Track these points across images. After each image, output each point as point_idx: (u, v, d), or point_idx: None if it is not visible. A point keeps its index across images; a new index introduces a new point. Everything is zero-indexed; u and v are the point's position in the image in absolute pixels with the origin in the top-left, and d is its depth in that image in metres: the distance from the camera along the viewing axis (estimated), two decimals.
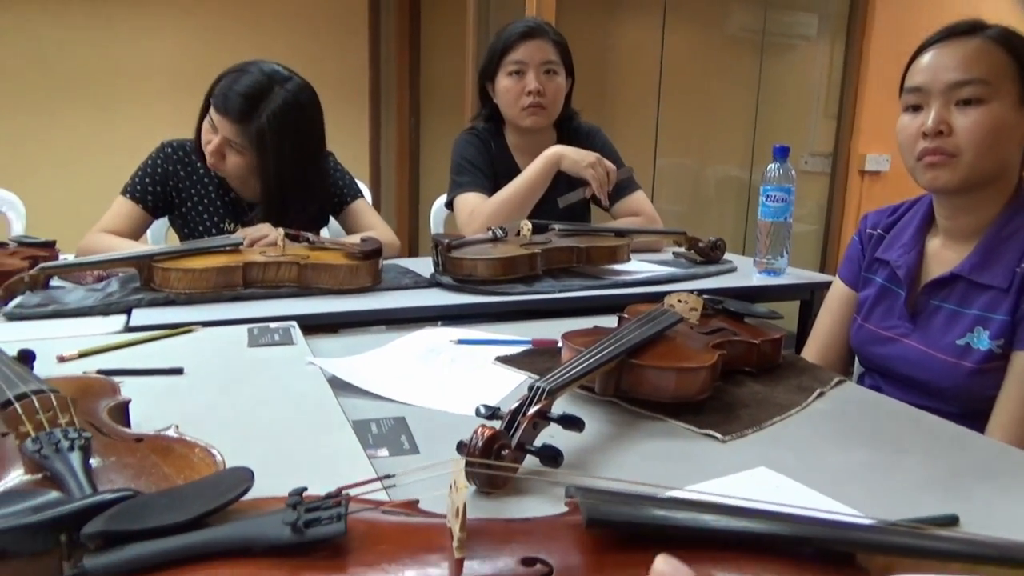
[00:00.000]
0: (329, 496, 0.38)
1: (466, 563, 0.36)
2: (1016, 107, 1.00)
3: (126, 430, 0.56)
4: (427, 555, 0.36)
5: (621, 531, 0.38)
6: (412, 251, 3.91)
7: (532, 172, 1.72)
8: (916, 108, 1.06)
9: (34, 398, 0.52)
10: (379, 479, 0.39)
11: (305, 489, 0.38)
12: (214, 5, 3.53)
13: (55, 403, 0.52)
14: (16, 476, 0.49)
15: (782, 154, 1.55)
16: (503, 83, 1.83)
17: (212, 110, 1.54)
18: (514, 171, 1.79)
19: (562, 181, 1.80)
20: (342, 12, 3.88)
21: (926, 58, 1.05)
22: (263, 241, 1.40)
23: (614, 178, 1.71)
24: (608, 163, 1.69)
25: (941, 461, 0.75)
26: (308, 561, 0.35)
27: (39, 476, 0.48)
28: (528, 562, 0.36)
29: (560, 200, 1.66)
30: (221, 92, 1.53)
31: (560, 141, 1.88)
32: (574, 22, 2.58)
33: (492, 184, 1.82)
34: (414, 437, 0.75)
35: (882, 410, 0.90)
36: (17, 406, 0.51)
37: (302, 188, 1.61)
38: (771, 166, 1.55)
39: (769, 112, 3.82)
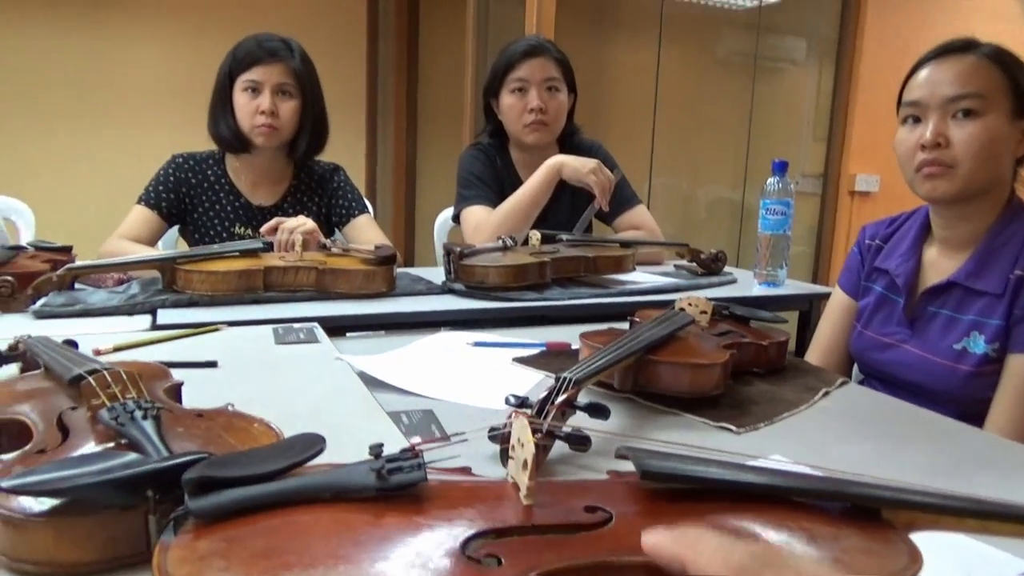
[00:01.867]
0: (405, 451, 0.41)
1: (534, 510, 0.39)
2: (1009, 121, 1.06)
3: (185, 407, 0.60)
4: (498, 503, 0.40)
5: (671, 484, 0.42)
6: (408, 263, 3.94)
7: (534, 182, 1.76)
8: (915, 121, 1.11)
9: (105, 372, 0.55)
10: (449, 436, 0.43)
11: (383, 445, 0.41)
12: (212, 19, 3.60)
13: (125, 378, 0.55)
14: (89, 446, 0.52)
15: (781, 169, 1.60)
16: (506, 100, 1.88)
17: (248, 72, 1.64)
18: (518, 185, 1.83)
19: (565, 193, 1.85)
20: (341, 27, 3.95)
21: (923, 73, 1.11)
22: (303, 229, 1.47)
23: (612, 185, 1.75)
24: (608, 171, 1.74)
25: (943, 452, 0.79)
26: (390, 506, 0.38)
27: (111, 444, 0.51)
28: (590, 509, 0.39)
29: (576, 229, 1.72)
30: (247, 52, 1.64)
31: None
32: (573, 41, 2.65)
33: (498, 198, 1.86)
34: (444, 427, 0.78)
35: (886, 408, 0.95)
36: (90, 379, 0.54)
37: (324, 123, 1.78)
38: (770, 180, 1.60)
39: (761, 133, 3.90)
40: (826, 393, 0.96)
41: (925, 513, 0.43)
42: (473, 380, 0.96)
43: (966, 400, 1.10)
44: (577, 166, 1.71)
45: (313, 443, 0.44)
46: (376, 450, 0.40)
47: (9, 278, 1.10)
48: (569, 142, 1.99)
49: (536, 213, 1.76)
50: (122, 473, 0.43)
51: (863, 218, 3.81)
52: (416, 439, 0.76)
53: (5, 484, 0.41)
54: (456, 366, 1.01)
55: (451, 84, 3.63)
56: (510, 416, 0.69)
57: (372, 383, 0.89)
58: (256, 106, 1.62)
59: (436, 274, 1.54)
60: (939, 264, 1.17)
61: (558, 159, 1.75)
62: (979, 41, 1.10)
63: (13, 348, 0.78)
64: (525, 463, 0.40)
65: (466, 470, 0.49)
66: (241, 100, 1.64)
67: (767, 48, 3.91)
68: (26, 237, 2.02)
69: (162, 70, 3.56)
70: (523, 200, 1.75)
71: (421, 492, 0.40)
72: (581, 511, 0.39)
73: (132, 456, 0.45)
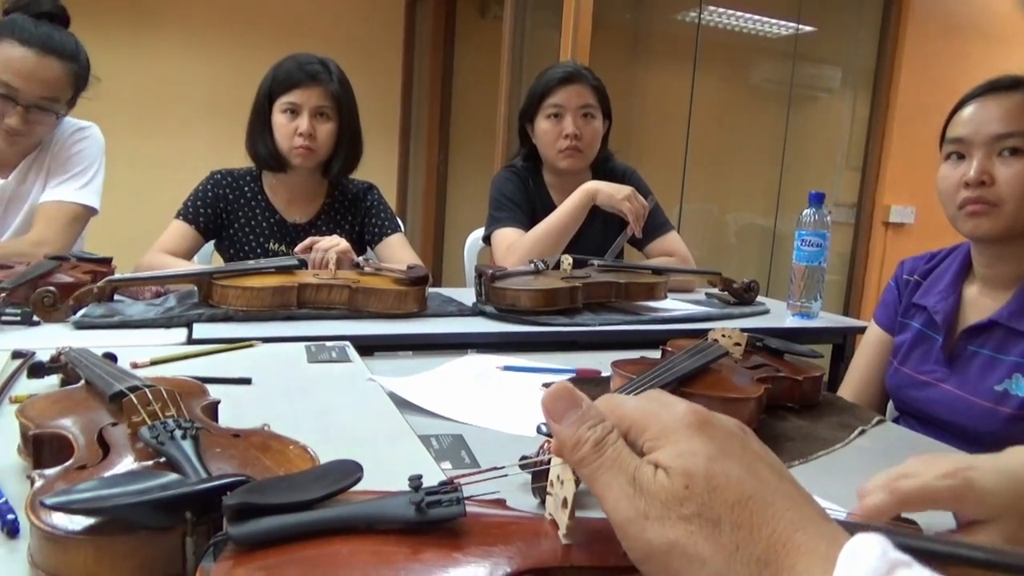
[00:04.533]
0: (444, 483, 0.41)
1: (573, 549, 0.39)
2: None
3: (222, 427, 0.60)
4: (535, 541, 0.39)
5: None
6: (437, 282, 3.96)
7: (568, 207, 1.76)
8: (958, 158, 1.10)
9: (146, 390, 0.56)
10: (490, 469, 0.42)
11: (422, 477, 0.41)
12: (253, 37, 3.68)
13: (165, 396, 0.56)
14: (128, 463, 0.52)
15: (817, 200, 1.59)
16: (542, 125, 1.89)
17: (288, 95, 1.66)
18: (551, 208, 1.84)
19: (598, 218, 1.85)
20: (378, 46, 4.02)
21: (968, 110, 1.09)
22: (338, 248, 1.48)
23: (646, 212, 1.75)
24: (641, 198, 1.74)
25: None
26: (429, 539, 0.38)
27: (151, 463, 0.52)
28: None
29: (607, 255, 1.71)
30: (287, 74, 1.67)
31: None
32: (607, 67, 2.66)
33: (529, 221, 1.87)
34: (473, 453, 0.78)
35: (923, 449, 0.92)
36: (132, 397, 0.55)
37: (359, 143, 1.80)
38: (806, 211, 1.58)
39: (794, 161, 3.88)
40: (862, 431, 0.94)
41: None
42: (502, 405, 0.96)
43: (1007, 443, 1.05)
44: (612, 192, 1.71)
45: (351, 472, 0.44)
46: (415, 482, 0.40)
47: (52, 288, 1.13)
48: (603, 168, 1.99)
49: (568, 238, 1.76)
50: (162, 494, 0.43)
51: (897, 250, 3.76)
52: (447, 465, 0.76)
53: (49, 501, 0.42)
54: (485, 390, 1.01)
55: (484, 106, 3.67)
56: (542, 445, 0.69)
57: (402, 405, 0.89)
58: (294, 128, 1.65)
59: (466, 295, 1.55)
60: (980, 303, 1.15)
61: (593, 185, 1.75)
62: None
63: (55, 360, 0.79)
64: (565, 501, 0.39)
65: (501, 502, 0.49)
66: (280, 121, 1.67)
67: (802, 76, 3.89)
68: None
69: (204, 86, 3.65)
70: (556, 224, 1.75)
71: (458, 525, 0.40)
72: (621, 554, 0.38)
73: (172, 477, 0.46)
